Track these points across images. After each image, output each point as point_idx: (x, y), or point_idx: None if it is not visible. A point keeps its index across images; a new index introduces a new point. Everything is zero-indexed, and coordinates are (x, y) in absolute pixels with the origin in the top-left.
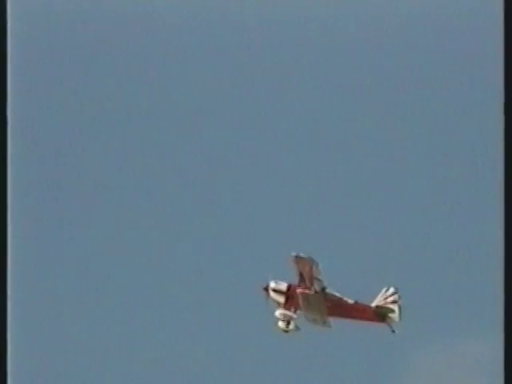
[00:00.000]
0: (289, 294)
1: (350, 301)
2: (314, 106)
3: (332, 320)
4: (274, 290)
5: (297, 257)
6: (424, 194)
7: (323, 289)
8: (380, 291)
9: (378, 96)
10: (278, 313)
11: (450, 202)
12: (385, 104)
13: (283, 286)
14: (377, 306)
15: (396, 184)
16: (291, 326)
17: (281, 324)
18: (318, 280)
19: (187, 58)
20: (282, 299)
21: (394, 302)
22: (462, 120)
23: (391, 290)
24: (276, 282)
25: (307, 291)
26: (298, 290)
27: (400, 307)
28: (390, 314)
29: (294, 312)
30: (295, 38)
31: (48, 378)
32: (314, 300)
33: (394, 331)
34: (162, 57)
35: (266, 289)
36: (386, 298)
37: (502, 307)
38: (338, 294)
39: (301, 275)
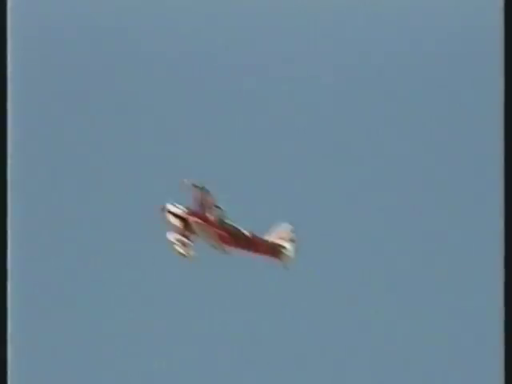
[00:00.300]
0: (185, 219)
1: (247, 233)
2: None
3: (229, 250)
4: (171, 213)
5: (193, 185)
6: None
7: (221, 218)
8: (277, 227)
9: (377, 96)
10: (172, 236)
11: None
12: (384, 104)
13: (180, 211)
14: (272, 241)
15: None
16: (190, 252)
17: (178, 248)
18: (219, 209)
19: (190, 61)
20: (178, 223)
21: (289, 239)
22: (461, 120)
23: (287, 225)
24: (174, 205)
25: (200, 220)
26: (192, 218)
27: (295, 244)
28: (284, 251)
29: (188, 238)
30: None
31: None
32: (208, 229)
33: (287, 268)
34: (164, 56)
35: (163, 210)
36: (282, 234)
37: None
38: (235, 225)
39: (198, 203)
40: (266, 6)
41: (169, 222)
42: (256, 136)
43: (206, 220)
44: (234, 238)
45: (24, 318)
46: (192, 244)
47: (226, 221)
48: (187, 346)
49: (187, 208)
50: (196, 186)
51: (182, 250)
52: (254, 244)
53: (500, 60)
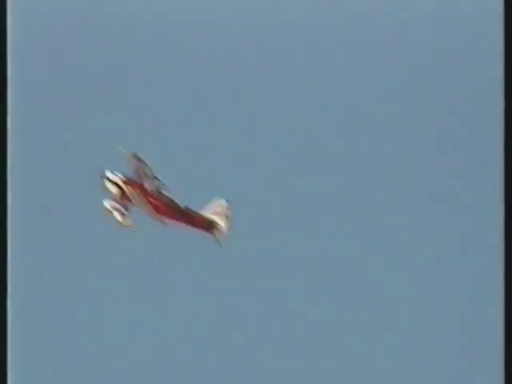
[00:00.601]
0: (123, 188)
1: (183, 206)
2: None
3: (165, 221)
4: (110, 180)
5: (131, 154)
6: None
7: (158, 189)
8: (213, 203)
9: (377, 96)
10: (108, 203)
11: None
12: (384, 103)
13: (118, 178)
14: (207, 216)
15: None
16: (127, 221)
17: (116, 216)
18: (157, 180)
19: (189, 60)
20: (115, 191)
21: (224, 215)
22: (461, 121)
23: (223, 201)
24: (112, 173)
25: (137, 189)
26: (129, 187)
27: (228, 220)
28: (218, 227)
29: (126, 207)
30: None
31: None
32: (144, 198)
33: (219, 244)
34: (164, 56)
35: (102, 177)
36: (217, 209)
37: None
38: (172, 197)
39: (136, 172)
40: None
41: (107, 190)
42: (205, 112)
43: (143, 189)
44: (170, 209)
45: (24, 317)
46: (128, 213)
47: (163, 192)
48: (125, 314)
49: (125, 177)
50: (133, 156)
51: (119, 218)
52: (189, 217)
53: (500, 60)
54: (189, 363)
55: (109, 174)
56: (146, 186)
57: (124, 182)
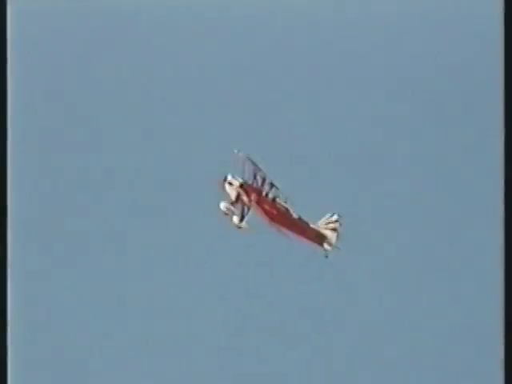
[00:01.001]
0: (240, 191)
1: (295, 215)
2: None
3: (277, 228)
4: (230, 184)
5: (248, 158)
6: None
7: (274, 196)
8: (325, 215)
9: (376, 96)
10: (223, 205)
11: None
12: (384, 103)
13: (237, 182)
14: (318, 230)
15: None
16: (243, 224)
17: (234, 218)
18: (274, 187)
19: (189, 59)
20: (233, 194)
21: (333, 228)
22: (461, 121)
23: (335, 216)
24: (233, 177)
25: (252, 195)
26: (245, 192)
27: (338, 235)
28: (328, 240)
29: (243, 211)
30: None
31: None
32: (260, 204)
33: (326, 256)
34: (163, 57)
35: (224, 180)
36: (328, 223)
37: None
38: (286, 206)
39: (252, 177)
40: None
41: (225, 193)
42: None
43: (260, 196)
44: (285, 218)
45: (24, 317)
46: (245, 216)
47: (279, 200)
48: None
49: (245, 182)
50: (249, 159)
51: (236, 221)
52: (302, 229)
53: (500, 59)
54: None
55: (229, 178)
56: (264, 192)
57: (243, 187)
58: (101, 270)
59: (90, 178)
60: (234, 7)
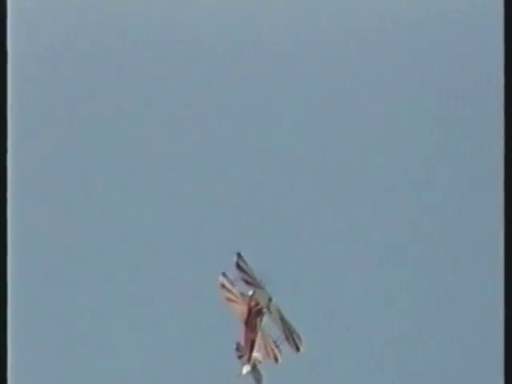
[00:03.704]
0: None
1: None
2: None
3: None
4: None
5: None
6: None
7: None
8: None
9: (376, 96)
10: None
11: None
12: (384, 103)
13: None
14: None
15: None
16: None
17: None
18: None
19: (189, 60)
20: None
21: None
22: (461, 120)
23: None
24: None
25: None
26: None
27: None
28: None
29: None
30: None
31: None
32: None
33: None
34: (163, 58)
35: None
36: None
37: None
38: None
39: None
40: None
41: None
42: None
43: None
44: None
45: (24, 317)
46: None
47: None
48: None
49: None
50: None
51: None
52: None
53: (500, 59)
54: None
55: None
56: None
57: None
58: (101, 269)
59: (90, 178)
60: (234, 8)
